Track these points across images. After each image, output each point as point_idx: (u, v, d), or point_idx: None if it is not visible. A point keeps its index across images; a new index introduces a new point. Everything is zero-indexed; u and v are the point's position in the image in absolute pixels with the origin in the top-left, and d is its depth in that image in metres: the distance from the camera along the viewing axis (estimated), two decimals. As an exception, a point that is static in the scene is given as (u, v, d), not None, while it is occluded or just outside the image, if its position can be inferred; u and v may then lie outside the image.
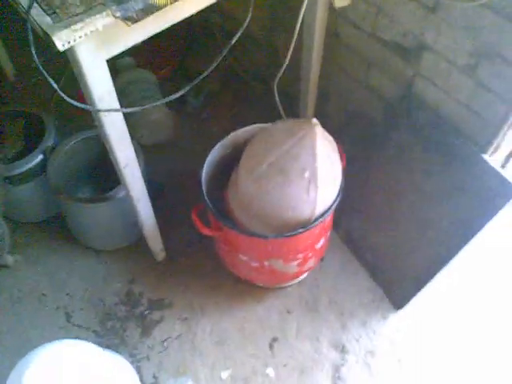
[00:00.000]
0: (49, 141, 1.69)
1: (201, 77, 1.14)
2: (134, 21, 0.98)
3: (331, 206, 1.31)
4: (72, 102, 0.98)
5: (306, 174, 1.20)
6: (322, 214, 1.30)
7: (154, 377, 1.53)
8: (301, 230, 1.27)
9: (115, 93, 1.13)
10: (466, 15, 1.18)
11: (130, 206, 1.56)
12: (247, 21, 1.15)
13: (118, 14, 0.95)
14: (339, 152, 1.33)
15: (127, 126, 1.22)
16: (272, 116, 1.54)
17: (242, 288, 1.68)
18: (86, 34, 0.93)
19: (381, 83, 1.59)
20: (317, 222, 1.28)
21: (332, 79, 1.78)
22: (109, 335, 1.60)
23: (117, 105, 1.15)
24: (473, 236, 1.35)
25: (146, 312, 1.64)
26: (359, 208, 1.65)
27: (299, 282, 1.67)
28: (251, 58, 2.10)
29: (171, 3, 1.01)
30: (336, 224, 1.61)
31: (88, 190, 1.88)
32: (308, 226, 1.27)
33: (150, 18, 1.01)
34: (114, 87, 1.11)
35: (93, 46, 0.99)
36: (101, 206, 1.58)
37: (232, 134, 1.48)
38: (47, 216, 1.85)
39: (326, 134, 1.24)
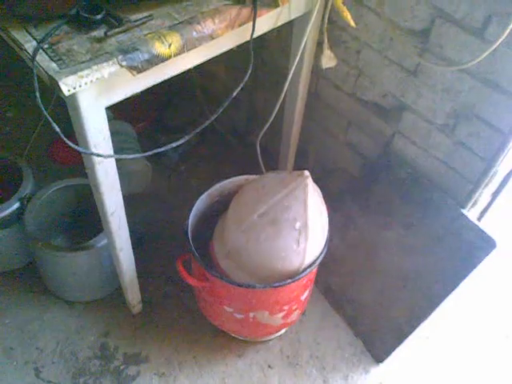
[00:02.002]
0: (27, 189, 1.66)
1: (183, 140, 1.16)
2: (139, 71, 1.01)
3: (319, 255, 1.32)
4: (76, 147, 0.98)
5: (297, 225, 1.22)
6: (311, 265, 1.31)
7: None
8: (289, 281, 1.28)
9: (110, 140, 1.14)
10: (445, 79, 1.27)
11: (110, 256, 1.53)
12: (237, 90, 1.20)
13: (124, 63, 0.97)
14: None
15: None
16: (248, 170, 1.56)
17: (221, 342, 1.64)
18: (91, 81, 0.95)
19: (360, 141, 1.66)
20: (305, 273, 1.29)
21: (311, 136, 1.84)
22: (81, 392, 1.52)
23: (111, 152, 1.16)
24: (454, 288, 1.39)
25: (122, 367, 1.57)
26: (338, 260, 1.68)
27: (280, 336, 1.65)
28: (229, 114, 2.15)
29: (175, 55, 1.04)
30: (315, 276, 1.62)
31: (61, 240, 1.84)
32: (297, 277, 1.28)
33: (152, 70, 1.04)
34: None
35: (94, 94, 1.01)
36: (80, 256, 1.54)
37: (219, 185, 1.49)
38: (18, 266, 1.78)
39: (316, 187, 1.28)
